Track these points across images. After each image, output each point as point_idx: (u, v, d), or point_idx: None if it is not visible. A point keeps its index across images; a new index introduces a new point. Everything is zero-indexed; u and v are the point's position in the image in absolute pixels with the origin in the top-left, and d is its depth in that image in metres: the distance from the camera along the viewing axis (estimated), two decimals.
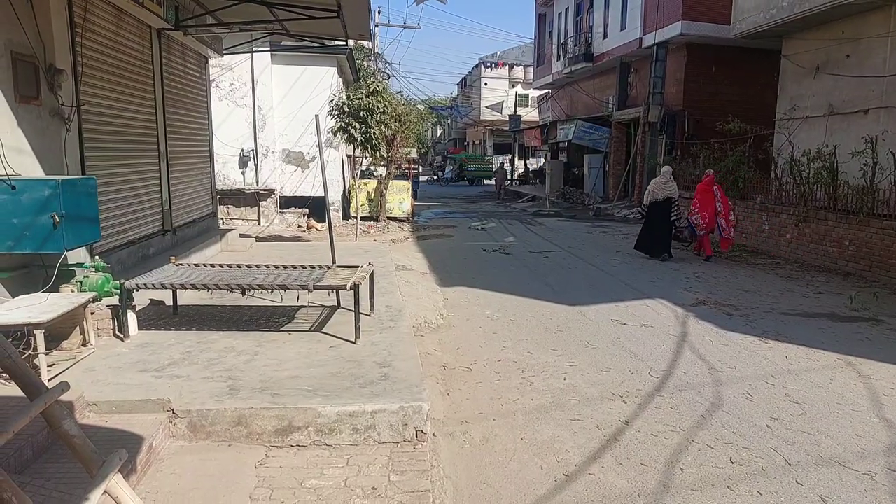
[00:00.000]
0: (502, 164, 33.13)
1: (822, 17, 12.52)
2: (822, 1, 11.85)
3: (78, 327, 4.97)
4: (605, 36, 22.64)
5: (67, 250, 5.01)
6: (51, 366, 4.47)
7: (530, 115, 39.93)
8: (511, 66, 51.30)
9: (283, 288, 5.36)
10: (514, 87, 49.03)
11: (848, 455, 4.02)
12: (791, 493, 3.58)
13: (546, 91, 31.98)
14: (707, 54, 18.08)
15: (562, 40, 26.70)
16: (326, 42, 12.47)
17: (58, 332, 4.85)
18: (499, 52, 52.68)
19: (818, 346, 6.34)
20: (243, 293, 5.99)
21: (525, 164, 38.01)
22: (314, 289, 5.30)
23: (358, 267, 6.13)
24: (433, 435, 4.08)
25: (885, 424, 4.49)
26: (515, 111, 38.79)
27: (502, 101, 48.09)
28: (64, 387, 2.34)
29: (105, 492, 2.28)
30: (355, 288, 5.25)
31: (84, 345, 4.98)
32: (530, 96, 44.08)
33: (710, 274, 10.20)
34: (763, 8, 13.62)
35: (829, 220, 10.80)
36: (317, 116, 7.01)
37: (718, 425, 4.45)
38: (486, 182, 39.44)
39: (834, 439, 4.24)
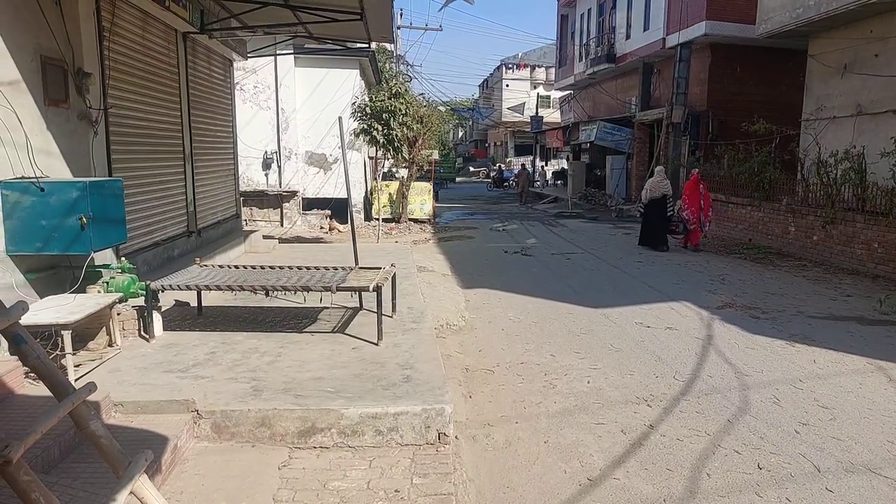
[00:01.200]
0: (523, 164, 32.99)
1: (849, 16, 12.27)
2: None
3: (104, 328, 5.05)
4: (627, 36, 22.45)
5: (94, 251, 5.09)
6: (77, 366, 4.54)
7: (552, 116, 39.75)
8: (533, 68, 51.13)
9: (307, 289, 5.39)
10: (535, 88, 48.87)
11: (879, 462, 3.92)
12: (821, 499, 3.50)
13: (568, 92, 31.80)
14: (731, 54, 17.82)
15: (584, 41, 26.53)
16: (349, 45, 12.52)
17: (84, 332, 4.93)
18: (520, 54, 52.54)
19: (847, 349, 6.20)
20: (267, 294, 6.04)
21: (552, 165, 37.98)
22: (337, 290, 5.32)
23: (380, 268, 6.13)
24: (456, 437, 4.06)
25: None
26: (537, 112, 38.59)
27: (524, 103, 47.90)
28: (91, 387, 2.36)
29: (131, 492, 2.29)
30: (378, 289, 5.26)
31: (110, 345, 5.06)
32: (552, 97, 43.89)
33: (735, 276, 10.04)
34: (789, 7, 13.38)
35: (857, 221, 10.57)
36: (340, 118, 7.05)
37: (746, 430, 4.37)
38: (450, 185, 39.66)
39: (865, 445, 4.14)
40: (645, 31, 21.07)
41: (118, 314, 5.16)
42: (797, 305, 8.07)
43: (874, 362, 5.81)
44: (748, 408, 4.76)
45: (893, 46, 11.78)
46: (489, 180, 40.59)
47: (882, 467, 3.85)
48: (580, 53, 26.88)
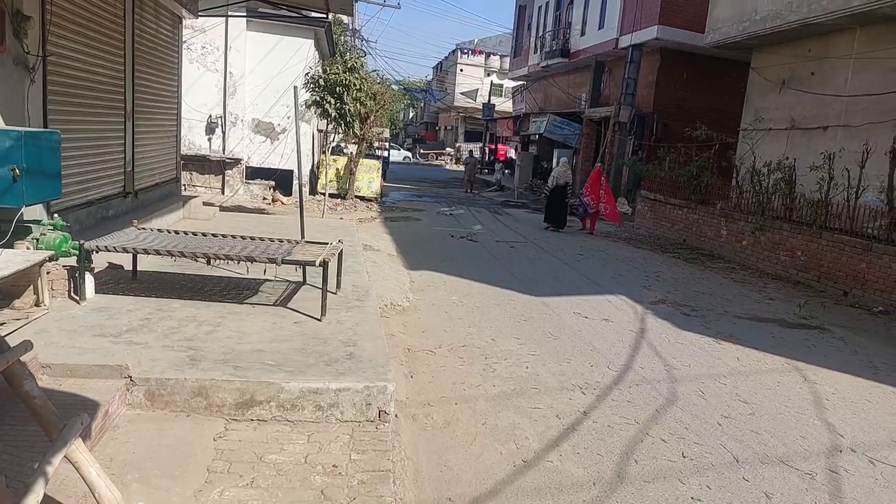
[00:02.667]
0: (471, 151, 33.07)
1: (791, 34, 12.85)
2: (792, 18, 12.17)
3: (32, 286, 4.79)
4: (582, 33, 22.77)
5: (26, 205, 4.82)
6: (1, 324, 4.31)
7: (504, 105, 39.98)
8: (488, 55, 51.19)
9: (251, 260, 5.27)
10: (489, 75, 48.97)
11: (791, 455, 4.20)
12: (738, 488, 3.72)
13: (521, 83, 32.03)
14: (680, 60, 18.37)
15: (540, 33, 26.75)
16: (305, 13, 12.20)
17: (10, 290, 4.68)
18: (476, 40, 52.48)
19: (768, 349, 6.57)
20: (208, 262, 5.88)
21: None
22: (282, 263, 5.24)
23: (327, 244, 6.06)
24: (396, 416, 4.09)
25: (827, 427, 4.70)
26: (489, 100, 38.72)
27: (477, 89, 47.94)
28: (27, 345, 2.26)
29: (65, 456, 2.22)
30: (324, 265, 5.20)
31: (37, 305, 4.81)
32: (505, 86, 44.08)
33: (669, 274, 10.44)
34: (736, 20, 13.90)
35: (783, 229, 11.16)
36: (296, 88, 6.89)
37: (672, 420, 4.58)
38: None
39: (779, 439, 4.42)
40: (600, 29, 21.42)
41: (48, 273, 4.91)
42: (724, 305, 8.48)
43: (792, 363, 6.19)
44: (675, 399, 4.99)
45: (829, 67, 12.44)
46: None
47: (794, 460, 4.12)
48: (535, 45, 27.10)
